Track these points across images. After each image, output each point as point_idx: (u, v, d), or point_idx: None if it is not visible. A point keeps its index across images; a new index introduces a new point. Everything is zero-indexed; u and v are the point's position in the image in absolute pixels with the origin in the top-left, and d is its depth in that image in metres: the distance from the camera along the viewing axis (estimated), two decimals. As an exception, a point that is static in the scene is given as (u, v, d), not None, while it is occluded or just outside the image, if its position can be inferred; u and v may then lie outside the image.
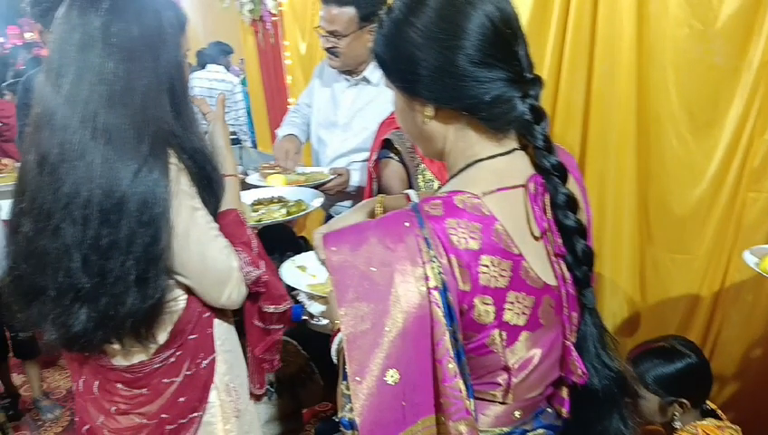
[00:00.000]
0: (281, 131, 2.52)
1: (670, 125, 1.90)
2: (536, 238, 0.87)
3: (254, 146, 5.91)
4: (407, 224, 0.81)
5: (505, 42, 0.87)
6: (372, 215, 1.32)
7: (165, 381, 1.24)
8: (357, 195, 2.29)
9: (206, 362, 1.28)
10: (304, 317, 1.46)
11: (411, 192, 1.38)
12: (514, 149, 0.92)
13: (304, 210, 1.93)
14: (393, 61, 0.93)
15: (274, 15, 3.82)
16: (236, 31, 4.54)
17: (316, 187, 2.19)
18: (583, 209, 0.96)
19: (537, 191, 0.88)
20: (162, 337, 1.22)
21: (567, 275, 0.89)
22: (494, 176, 0.88)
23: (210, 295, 1.23)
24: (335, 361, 1.02)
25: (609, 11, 1.93)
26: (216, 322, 1.30)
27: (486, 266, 0.81)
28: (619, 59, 1.94)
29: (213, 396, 1.29)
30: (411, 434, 0.79)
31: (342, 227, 0.88)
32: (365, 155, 2.20)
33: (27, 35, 10.41)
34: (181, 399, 1.26)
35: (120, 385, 1.25)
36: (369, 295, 0.78)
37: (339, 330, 0.98)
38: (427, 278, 0.78)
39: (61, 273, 1.08)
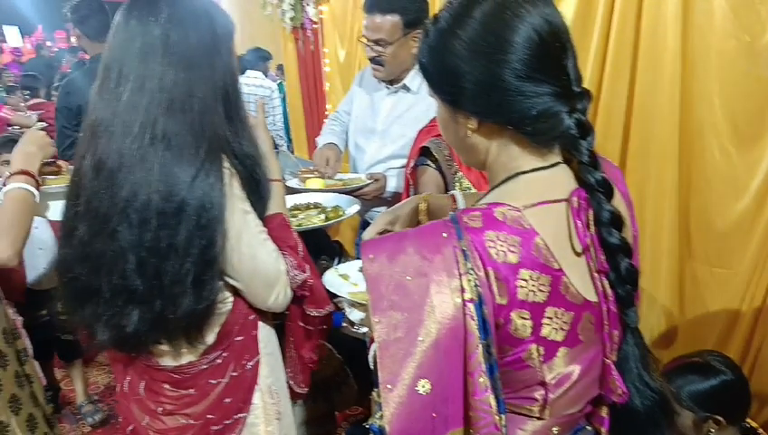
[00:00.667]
0: (321, 139, 2.55)
1: (713, 138, 1.87)
2: (578, 254, 0.86)
3: (291, 151, 6.00)
4: (444, 235, 0.81)
5: (553, 55, 0.86)
6: (417, 211, 1.33)
7: (212, 381, 1.26)
8: (393, 201, 2.31)
9: (250, 363, 1.30)
10: (344, 324, 1.49)
11: (457, 193, 1.38)
12: (557, 163, 0.91)
13: (341, 216, 1.95)
14: (437, 72, 0.93)
15: (315, 23, 3.87)
16: (277, 38, 4.60)
17: (353, 191, 2.22)
18: (629, 225, 0.94)
19: (580, 206, 0.86)
20: (210, 338, 1.24)
21: (609, 292, 0.88)
22: (536, 189, 0.88)
23: (258, 297, 1.25)
24: (372, 367, 1.01)
25: (653, 22, 1.92)
26: (260, 324, 1.32)
27: (525, 280, 0.81)
28: (662, 70, 1.92)
29: (257, 398, 1.31)
30: None
31: (381, 237, 0.89)
32: (402, 162, 2.22)
33: (73, 39, 10.73)
34: (227, 400, 1.28)
35: (166, 386, 1.27)
36: (403, 304, 0.78)
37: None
38: (462, 290, 0.78)
39: (116, 275, 1.11)
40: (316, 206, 2.03)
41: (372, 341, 1.02)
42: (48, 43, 11.58)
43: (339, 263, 3.15)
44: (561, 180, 0.90)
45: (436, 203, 1.33)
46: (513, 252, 0.80)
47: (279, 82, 7.36)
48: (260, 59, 6.23)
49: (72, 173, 1.20)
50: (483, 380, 0.77)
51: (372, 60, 2.18)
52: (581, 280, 0.86)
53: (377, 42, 2.11)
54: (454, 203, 1.35)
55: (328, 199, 2.07)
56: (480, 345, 0.77)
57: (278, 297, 1.25)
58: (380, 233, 1.30)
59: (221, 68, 1.16)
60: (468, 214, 0.83)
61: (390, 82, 2.27)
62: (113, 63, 1.11)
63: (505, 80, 0.84)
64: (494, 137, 0.91)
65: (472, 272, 0.78)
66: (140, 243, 1.08)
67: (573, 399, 0.90)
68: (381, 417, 0.78)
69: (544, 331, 0.84)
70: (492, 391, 0.78)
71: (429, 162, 1.87)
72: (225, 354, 1.27)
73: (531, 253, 0.81)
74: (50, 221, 2.21)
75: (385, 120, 2.31)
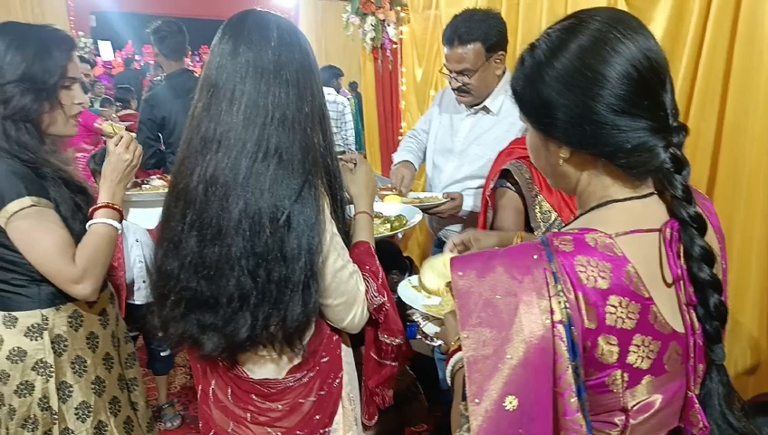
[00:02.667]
0: (397, 156, 2.60)
1: (810, 164, 1.80)
2: (668, 285, 0.86)
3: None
4: (535, 257, 0.82)
5: (651, 90, 0.85)
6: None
7: (300, 400, 1.30)
8: (468, 219, 2.33)
9: (336, 381, 1.34)
10: (419, 336, 1.51)
11: None
12: (651, 194, 0.90)
13: (405, 225, 1.97)
14: (531, 101, 0.93)
15: (394, 43, 3.95)
16: (351, 55, 4.69)
17: (429, 209, 2.27)
18: (719, 260, 0.93)
19: (673, 237, 0.86)
20: (298, 358, 1.28)
21: (697, 325, 0.87)
22: (629, 217, 0.88)
23: (337, 316, 1.28)
24: (449, 382, 1.04)
25: (747, 43, 1.86)
26: (342, 344, 1.37)
27: (614, 307, 0.81)
28: (756, 92, 1.85)
29: (339, 406, 1.35)
30: None
31: (470, 254, 0.91)
32: (479, 182, 2.23)
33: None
34: (316, 417, 1.32)
35: (253, 396, 1.31)
36: (492, 322, 0.80)
37: (453, 352, 1.03)
38: (552, 312, 0.79)
39: (231, 282, 1.15)
40: (378, 216, 2.04)
41: (448, 354, 1.05)
42: (137, 57, 12.26)
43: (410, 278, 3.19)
44: (654, 211, 0.89)
45: None
46: (603, 278, 0.81)
47: (349, 98, 7.57)
48: (332, 75, 6.50)
49: (173, 186, 1.23)
50: (574, 400, 0.79)
51: (457, 89, 2.21)
52: (671, 310, 0.86)
53: (461, 72, 2.14)
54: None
55: (390, 209, 2.08)
56: (570, 366, 0.78)
57: (355, 317, 1.28)
58: (462, 244, 1.32)
59: (317, 87, 1.22)
60: (559, 238, 0.84)
61: (471, 104, 2.30)
62: (224, 83, 1.15)
63: (600, 113, 0.85)
64: (587, 167, 0.92)
65: (562, 294, 0.79)
66: (253, 251, 1.13)
67: (654, 427, 0.89)
68: (468, 429, 0.79)
69: (630, 358, 0.83)
70: (582, 411, 0.79)
71: (509, 184, 1.88)
72: (311, 374, 1.30)
73: (621, 280, 0.81)
74: (150, 231, 2.31)
75: (464, 140, 2.34)
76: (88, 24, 11.03)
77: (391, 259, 3.45)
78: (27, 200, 1.40)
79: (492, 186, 1.93)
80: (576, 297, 0.80)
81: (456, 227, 2.43)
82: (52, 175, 1.48)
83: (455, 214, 2.29)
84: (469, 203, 2.29)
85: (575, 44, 0.87)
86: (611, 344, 0.82)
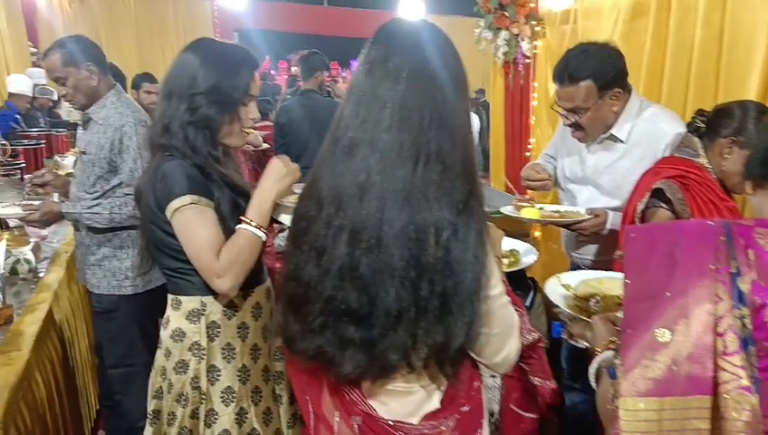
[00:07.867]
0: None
1: None
2: None
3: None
4: (711, 224, 0.87)
5: None
6: None
7: None
8: (609, 239, 2.16)
9: (477, 433, 1.22)
10: (564, 336, 1.42)
11: None
12: None
13: (519, 261, 1.86)
14: None
15: (527, 58, 3.89)
16: (481, 71, 4.64)
17: (570, 224, 2.15)
18: None
19: None
20: (435, 402, 1.17)
21: None
22: None
23: (492, 347, 1.14)
24: (593, 384, 1.07)
25: None
26: (483, 388, 1.25)
27: None
28: None
29: None
30: (681, 405, 0.80)
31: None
32: (617, 203, 2.12)
33: (293, 69, 11.94)
34: None
35: None
36: (654, 268, 0.86)
37: (598, 353, 1.09)
38: (717, 259, 0.83)
39: (391, 294, 1.04)
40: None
41: (592, 355, 1.09)
42: (272, 72, 13.02)
43: (533, 298, 3.11)
44: None
45: None
46: None
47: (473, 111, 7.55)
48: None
49: (311, 189, 1.16)
50: (732, 340, 0.80)
51: (571, 125, 2.12)
52: None
53: (571, 110, 2.05)
54: None
55: (505, 244, 1.88)
56: (732, 312, 0.81)
57: (510, 351, 1.15)
58: None
59: (468, 97, 1.15)
60: (740, 220, 0.90)
61: (587, 141, 2.21)
62: (374, 87, 1.08)
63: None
64: (753, 189, 1.09)
65: (731, 248, 0.84)
66: (418, 261, 1.03)
67: None
68: (617, 357, 0.85)
69: None
70: (742, 352, 0.80)
71: (662, 204, 1.78)
72: (449, 423, 1.18)
73: None
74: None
75: (593, 169, 2.24)
76: (232, 41, 11.83)
77: (514, 279, 3.36)
78: (188, 198, 1.52)
79: (641, 207, 1.84)
80: (746, 254, 0.84)
81: (592, 249, 2.32)
82: (218, 178, 1.59)
83: (597, 232, 2.13)
84: (613, 220, 2.14)
85: None
86: None
